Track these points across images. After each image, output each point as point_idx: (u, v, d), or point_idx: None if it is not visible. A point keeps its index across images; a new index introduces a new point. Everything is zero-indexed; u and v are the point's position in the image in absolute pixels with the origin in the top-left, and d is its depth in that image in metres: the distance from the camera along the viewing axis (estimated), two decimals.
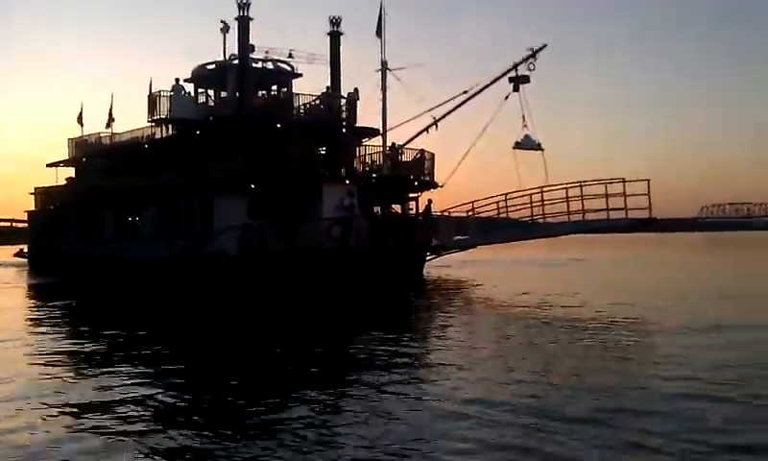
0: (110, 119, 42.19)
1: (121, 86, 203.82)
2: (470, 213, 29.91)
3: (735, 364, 11.37)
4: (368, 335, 14.99)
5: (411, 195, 34.61)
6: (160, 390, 10.08)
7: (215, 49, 41.63)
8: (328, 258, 27.37)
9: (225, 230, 29.71)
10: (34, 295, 29.05)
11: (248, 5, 32.77)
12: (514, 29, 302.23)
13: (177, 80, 34.94)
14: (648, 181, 25.10)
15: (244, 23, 33.19)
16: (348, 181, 30.61)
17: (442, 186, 33.84)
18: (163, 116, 33.94)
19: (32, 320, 19.47)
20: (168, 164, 35.16)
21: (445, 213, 30.75)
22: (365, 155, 33.48)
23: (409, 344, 14.30)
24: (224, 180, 30.16)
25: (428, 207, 32.10)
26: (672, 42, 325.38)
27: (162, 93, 34.07)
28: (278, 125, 32.15)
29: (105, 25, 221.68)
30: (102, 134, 41.25)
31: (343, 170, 31.66)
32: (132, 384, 10.56)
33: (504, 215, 28.55)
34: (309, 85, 43.34)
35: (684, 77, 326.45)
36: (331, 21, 36.22)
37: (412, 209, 34.64)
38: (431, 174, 33.85)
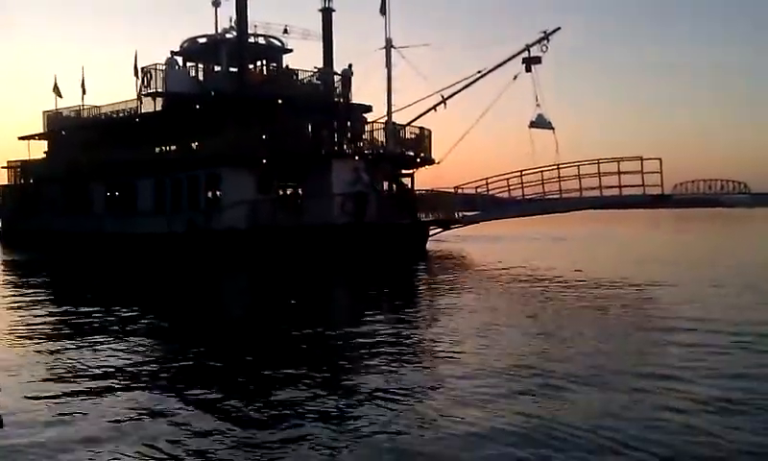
0: (83, 91, 41.42)
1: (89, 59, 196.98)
2: (479, 189, 30.65)
3: None
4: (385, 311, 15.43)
5: (405, 172, 35.14)
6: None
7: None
8: (342, 233, 27.70)
9: (234, 204, 29.64)
10: (18, 271, 26.16)
11: None
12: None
13: (172, 52, 34.71)
14: (660, 159, 26.44)
15: None
16: (356, 158, 30.96)
17: (438, 163, 34.53)
18: (159, 90, 33.57)
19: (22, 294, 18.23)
20: (161, 138, 34.74)
21: (458, 189, 31.41)
22: (370, 131, 33.78)
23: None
24: (233, 154, 29.99)
25: (402, 187, 33.09)
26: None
27: (157, 67, 33.75)
28: (280, 100, 32.20)
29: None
30: (82, 107, 40.28)
31: (350, 146, 31.99)
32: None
33: (518, 192, 29.38)
34: (303, 62, 43.42)
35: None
36: None
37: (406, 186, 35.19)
38: (428, 151, 34.51)
